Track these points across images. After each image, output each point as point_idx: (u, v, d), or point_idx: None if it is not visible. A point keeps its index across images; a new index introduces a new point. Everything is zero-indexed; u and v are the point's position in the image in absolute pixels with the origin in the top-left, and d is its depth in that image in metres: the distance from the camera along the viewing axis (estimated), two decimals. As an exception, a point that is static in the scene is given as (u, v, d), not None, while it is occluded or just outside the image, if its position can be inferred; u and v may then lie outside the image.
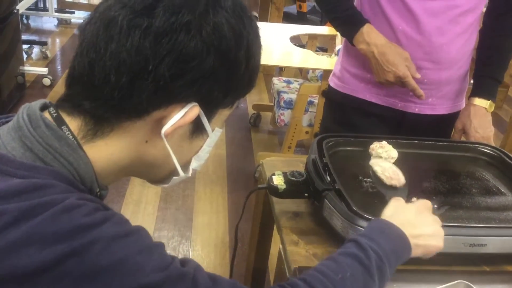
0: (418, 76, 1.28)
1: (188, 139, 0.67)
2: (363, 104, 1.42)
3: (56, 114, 0.61)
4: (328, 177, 1.02)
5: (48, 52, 4.24)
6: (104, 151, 0.62)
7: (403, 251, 0.77)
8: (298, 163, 1.25)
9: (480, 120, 1.37)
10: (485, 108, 1.37)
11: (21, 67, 3.40)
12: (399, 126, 1.44)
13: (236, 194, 2.69)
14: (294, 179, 1.03)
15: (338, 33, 2.54)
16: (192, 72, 0.59)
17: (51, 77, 3.70)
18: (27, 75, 3.61)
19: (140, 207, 2.50)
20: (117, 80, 0.58)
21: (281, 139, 3.29)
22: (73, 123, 0.61)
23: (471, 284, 0.88)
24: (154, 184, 0.74)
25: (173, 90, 0.59)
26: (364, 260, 0.72)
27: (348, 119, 1.47)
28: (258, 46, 0.66)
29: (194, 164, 0.71)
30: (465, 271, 0.94)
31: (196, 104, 0.62)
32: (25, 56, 3.86)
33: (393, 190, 1.09)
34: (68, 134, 0.60)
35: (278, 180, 1.03)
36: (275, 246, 1.34)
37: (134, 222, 0.58)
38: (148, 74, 0.58)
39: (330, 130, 1.41)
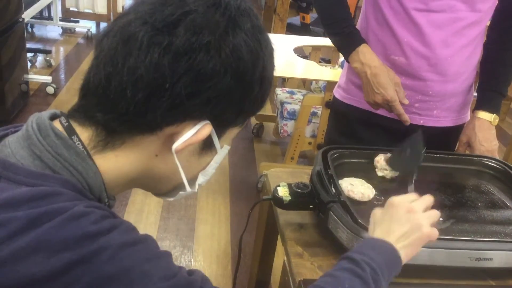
0: (406, 102, 1.29)
1: (197, 155, 0.67)
2: (368, 115, 1.42)
3: (67, 123, 0.62)
4: (333, 189, 1.02)
5: (52, 61, 4.26)
6: (114, 163, 0.62)
7: (394, 262, 0.78)
8: (303, 175, 1.24)
9: (485, 133, 1.37)
10: (490, 122, 1.37)
11: (25, 75, 3.41)
12: (404, 138, 1.44)
13: (238, 204, 2.69)
14: (299, 190, 1.03)
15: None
16: (208, 92, 0.59)
17: (54, 86, 3.71)
18: (31, 83, 3.62)
19: (142, 216, 2.49)
20: (133, 96, 0.58)
21: (283, 149, 3.29)
22: (84, 134, 0.61)
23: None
24: (159, 197, 0.74)
25: (188, 108, 0.60)
26: (360, 273, 0.72)
27: (353, 130, 1.47)
28: (272, 67, 0.67)
29: (200, 180, 0.71)
30: (471, 285, 0.94)
31: (209, 122, 0.62)
32: (29, 64, 3.87)
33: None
34: (78, 144, 0.60)
35: (283, 192, 1.03)
36: (278, 259, 1.34)
37: (135, 232, 0.58)
38: (164, 91, 0.58)
39: (335, 141, 1.41)
